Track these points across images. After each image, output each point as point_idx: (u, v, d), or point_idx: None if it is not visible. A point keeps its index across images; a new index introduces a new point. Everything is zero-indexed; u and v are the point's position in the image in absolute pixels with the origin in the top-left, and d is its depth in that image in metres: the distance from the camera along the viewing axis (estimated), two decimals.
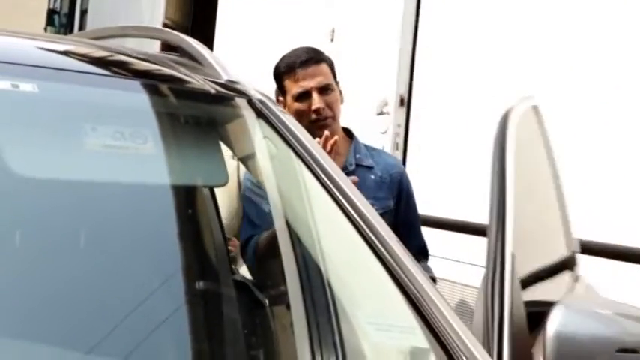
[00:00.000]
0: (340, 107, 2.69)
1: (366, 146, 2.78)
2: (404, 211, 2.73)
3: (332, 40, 5.69)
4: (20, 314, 1.37)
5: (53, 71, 1.52)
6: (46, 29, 10.94)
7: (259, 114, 1.68)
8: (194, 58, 1.83)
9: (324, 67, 2.67)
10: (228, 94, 1.70)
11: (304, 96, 2.61)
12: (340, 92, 2.71)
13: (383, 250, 1.43)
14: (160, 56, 1.82)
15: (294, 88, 2.63)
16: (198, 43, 1.85)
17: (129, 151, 1.51)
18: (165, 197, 1.61)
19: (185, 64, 1.81)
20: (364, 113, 4.62)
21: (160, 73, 1.74)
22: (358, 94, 4.46)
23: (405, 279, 1.38)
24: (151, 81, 1.70)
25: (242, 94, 1.72)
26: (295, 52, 2.69)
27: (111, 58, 1.72)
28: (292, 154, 1.62)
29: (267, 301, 1.95)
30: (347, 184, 1.56)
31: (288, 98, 2.65)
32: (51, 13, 11.26)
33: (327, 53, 2.79)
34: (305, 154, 1.61)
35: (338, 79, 2.75)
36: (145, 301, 1.53)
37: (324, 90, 2.62)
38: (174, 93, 1.67)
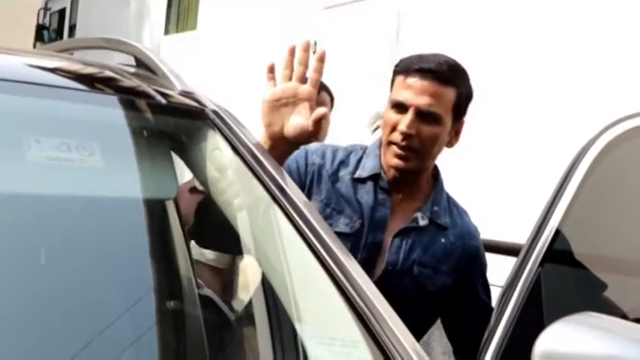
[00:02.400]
0: (438, 149, 2.05)
1: (448, 197, 2.16)
2: (464, 294, 2.10)
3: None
4: None
5: None
6: (35, 45, 10.94)
7: (213, 125, 1.65)
8: (149, 69, 1.80)
9: (448, 93, 2.00)
10: (181, 104, 1.67)
11: (400, 108, 2.01)
12: (455, 135, 2.08)
13: (332, 263, 1.40)
14: (115, 67, 1.79)
15: (396, 92, 2.04)
16: (154, 53, 1.82)
17: (75, 164, 1.47)
18: (113, 210, 1.57)
19: (140, 74, 1.78)
20: (355, 129, 4.52)
21: (110, 84, 1.71)
22: (348, 110, 4.41)
23: (353, 292, 1.35)
24: (101, 91, 1.67)
25: (196, 104, 1.69)
26: (431, 56, 2.05)
27: (59, 68, 1.69)
28: (244, 167, 1.59)
29: (232, 315, 1.92)
30: (299, 197, 1.53)
31: (389, 100, 2.06)
32: (40, 29, 11.27)
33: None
34: (257, 168, 1.58)
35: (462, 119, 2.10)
36: (104, 318, 1.48)
37: (426, 116, 1.99)
38: (125, 103, 1.63)
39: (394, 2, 5.27)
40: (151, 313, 1.57)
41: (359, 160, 2.12)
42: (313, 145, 2.14)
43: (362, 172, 2.09)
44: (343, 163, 2.11)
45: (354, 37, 5.44)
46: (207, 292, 2.21)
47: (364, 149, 2.16)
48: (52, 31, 11.28)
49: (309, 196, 2.04)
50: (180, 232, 2.01)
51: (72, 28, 10.62)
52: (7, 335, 1.32)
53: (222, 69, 7.14)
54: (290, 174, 1.93)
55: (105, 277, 1.53)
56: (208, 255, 2.63)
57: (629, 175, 1.91)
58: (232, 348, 1.82)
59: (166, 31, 8.32)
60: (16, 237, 1.44)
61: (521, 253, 1.84)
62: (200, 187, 2.60)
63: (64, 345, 1.37)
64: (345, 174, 2.09)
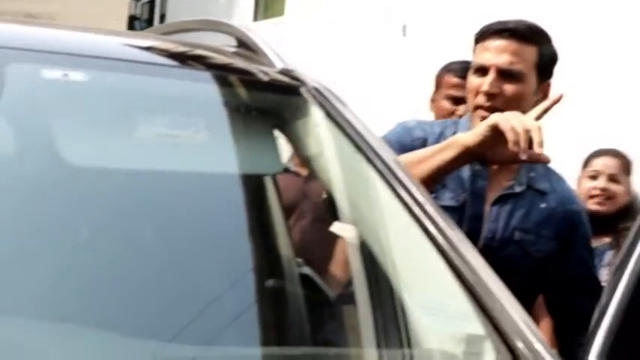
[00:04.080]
0: (524, 110, 1.94)
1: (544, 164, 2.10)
2: (568, 262, 2.05)
3: (404, 35, 5.65)
4: (84, 309, 1.36)
5: (105, 61, 1.52)
6: None
7: (314, 102, 1.66)
8: (250, 48, 1.82)
9: (529, 51, 1.99)
10: (282, 82, 1.68)
11: (481, 72, 2.00)
12: (542, 97, 2.00)
13: (440, 237, 1.39)
14: (216, 47, 1.81)
15: (476, 57, 2.04)
16: (255, 32, 1.84)
17: (182, 140, 1.51)
18: (218, 186, 1.60)
19: (241, 54, 1.80)
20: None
21: (213, 62, 1.73)
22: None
23: (462, 265, 1.34)
24: (205, 70, 1.70)
25: (297, 82, 1.70)
26: (508, 20, 2.05)
27: (163, 48, 1.72)
28: (348, 143, 1.59)
29: (332, 293, 1.92)
30: (405, 174, 1.53)
31: (471, 67, 2.07)
32: (132, 19, 11.52)
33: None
34: (362, 143, 1.57)
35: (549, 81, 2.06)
36: (206, 293, 1.51)
37: (507, 75, 1.97)
38: (228, 82, 1.66)
39: None
40: (251, 291, 1.59)
41: (453, 134, 2.08)
42: (410, 122, 2.17)
43: None
44: (442, 135, 2.09)
45: (440, 20, 5.38)
46: (306, 270, 2.23)
47: (457, 123, 2.15)
48: (143, 20, 11.52)
49: None
50: (279, 210, 2.03)
51: (162, 17, 10.84)
52: (109, 309, 1.36)
53: (309, 54, 7.17)
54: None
55: (207, 253, 1.56)
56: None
57: None
58: (333, 325, 1.83)
59: (255, 18, 8.39)
60: (125, 212, 1.48)
61: (633, 230, 1.78)
62: (294, 169, 2.57)
63: (166, 322, 1.40)
64: None
